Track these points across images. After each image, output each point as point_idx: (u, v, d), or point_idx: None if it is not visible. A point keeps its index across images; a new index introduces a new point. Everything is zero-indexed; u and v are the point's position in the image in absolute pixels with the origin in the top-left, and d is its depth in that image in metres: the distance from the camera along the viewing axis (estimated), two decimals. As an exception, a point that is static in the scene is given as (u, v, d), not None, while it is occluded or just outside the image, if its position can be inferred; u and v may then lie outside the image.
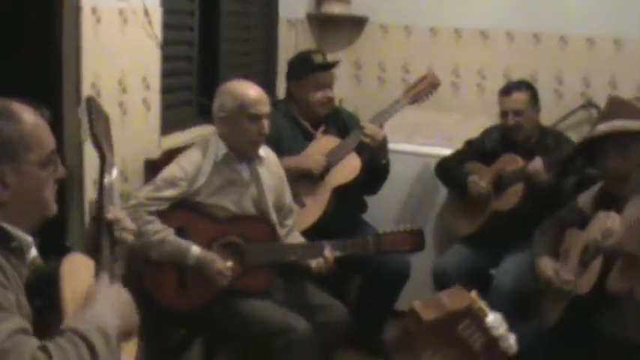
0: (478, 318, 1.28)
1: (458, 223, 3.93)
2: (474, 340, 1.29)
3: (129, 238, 1.88)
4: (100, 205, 1.90)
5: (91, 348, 1.46)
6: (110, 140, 2.06)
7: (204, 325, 2.87)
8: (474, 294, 1.32)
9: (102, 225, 1.86)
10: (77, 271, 1.69)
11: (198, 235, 2.83)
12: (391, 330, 1.21)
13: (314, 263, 2.94)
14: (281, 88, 4.21)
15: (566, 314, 2.66)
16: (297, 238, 3.14)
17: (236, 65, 3.98)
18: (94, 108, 2.08)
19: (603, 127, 2.68)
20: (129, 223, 1.92)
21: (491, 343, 1.29)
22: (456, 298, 1.30)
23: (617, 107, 2.78)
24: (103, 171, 1.97)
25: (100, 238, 1.84)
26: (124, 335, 1.64)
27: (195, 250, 2.79)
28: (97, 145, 2.02)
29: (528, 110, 3.73)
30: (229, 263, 2.81)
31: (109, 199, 1.91)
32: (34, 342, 1.44)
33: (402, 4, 4.64)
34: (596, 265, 2.54)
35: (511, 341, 1.30)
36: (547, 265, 2.84)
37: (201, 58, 3.59)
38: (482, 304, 1.29)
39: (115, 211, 1.88)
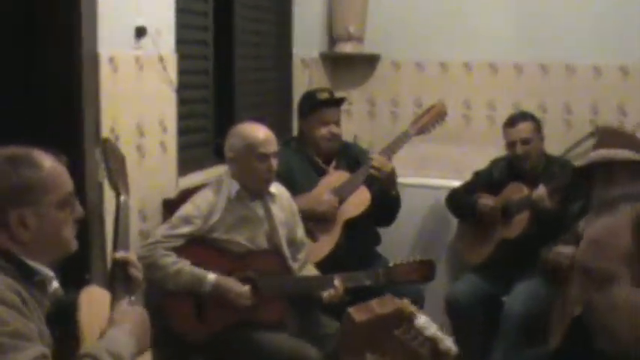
0: (410, 321, 1.40)
1: (469, 253, 4.02)
2: (418, 345, 1.40)
3: (139, 276, 2.01)
4: (114, 243, 2.04)
5: None
6: (126, 180, 2.20)
7: (221, 356, 2.97)
8: (405, 301, 1.44)
9: (113, 262, 2.00)
10: (94, 302, 1.83)
11: (213, 270, 2.96)
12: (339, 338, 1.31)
13: (325, 294, 3.05)
14: (296, 127, 4.35)
15: (568, 334, 2.75)
16: (310, 271, 3.25)
17: (251, 106, 4.14)
18: (109, 149, 2.24)
19: (592, 156, 2.79)
20: (137, 263, 2.04)
21: (434, 346, 1.40)
22: (385, 304, 1.42)
23: (608, 136, 2.88)
24: (118, 209, 2.11)
25: (112, 275, 1.97)
26: (139, 353, 1.76)
27: (212, 276, 2.91)
28: (114, 185, 2.16)
29: (535, 139, 3.83)
30: (247, 287, 2.93)
31: (123, 237, 2.05)
32: None
33: (412, 41, 4.77)
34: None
35: (449, 343, 1.41)
36: (554, 250, 2.96)
37: (217, 100, 3.74)
38: (413, 309, 1.40)
39: (124, 252, 2.01)
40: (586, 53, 4.48)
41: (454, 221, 4.23)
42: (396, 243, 4.16)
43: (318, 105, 3.68)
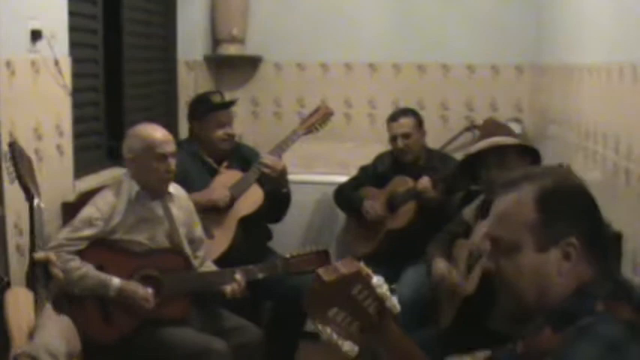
0: (366, 281, 1.54)
1: (357, 244, 4.18)
2: (368, 304, 1.55)
3: (59, 274, 2.04)
4: (31, 244, 2.07)
5: None
6: (36, 182, 2.23)
7: (130, 356, 3.00)
8: (361, 263, 1.59)
9: (33, 263, 2.03)
10: (19, 303, 1.85)
11: (117, 270, 2.99)
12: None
13: (228, 289, 3.14)
14: (182, 128, 4.41)
15: (459, 315, 2.95)
16: (210, 267, 3.33)
17: (140, 109, 4.17)
18: (17, 152, 2.25)
19: (483, 143, 3.00)
20: (57, 262, 2.08)
21: (381, 305, 1.55)
22: (348, 265, 1.57)
23: (492, 127, 3.12)
24: (32, 210, 2.13)
25: (33, 275, 2.00)
26: (69, 357, 1.81)
27: (116, 281, 2.95)
28: (25, 187, 2.18)
29: (415, 133, 4.05)
30: (150, 289, 2.98)
31: (40, 238, 2.07)
32: None
33: (293, 43, 4.92)
34: (479, 266, 2.85)
35: (394, 301, 1.56)
36: (440, 265, 3.12)
37: (107, 104, 3.75)
38: (368, 270, 1.56)
39: (44, 252, 2.05)
40: (460, 53, 4.76)
41: (341, 215, 4.40)
42: (287, 238, 4.27)
43: (212, 108, 3.77)
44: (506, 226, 1.59)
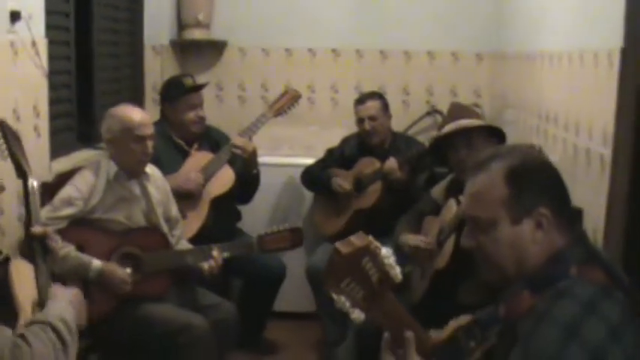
0: (375, 253, 1.66)
1: (325, 224, 4.31)
2: (372, 274, 1.67)
3: (57, 247, 2.11)
4: (28, 219, 2.13)
5: (59, 334, 1.73)
6: (27, 159, 2.28)
7: (111, 333, 3.07)
8: (371, 237, 1.71)
9: (31, 236, 2.09)
10: (22, 275, 1.93)
11: (97, 248, 3.06)
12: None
13: (205, 266, 3.23)
14: (149, 112, 4.44)
15: (430, 290, 3.08)
16: (186, 245, 3.41)
17: (109, 92, 4.20)
18: (7, 130, 2.30)
19: (452, 126, 3.13)
20: (54, 235, 2.15)
21: (384, 275, 1.67)
22: (360, 239, 1.69)
23: (458, 110, 3.25)
24: (26, 187, 2.20)
25: (31, 248, 2.07)
26: (78, 325, 1.89)
27: (97, 263, 3.01)
28: (17, 164, 2.24)
29: (381, 116, 4.18)
30: (129, 270, 3.05)
31: (36, 214, 2.14)
32: (8, 331, 1.68)
33: (258, 28, 4.98)
34: (450, 242, 2.99)
35: (397, 270, 1.69)
36: (410, 236, 3.25)
37: (79, 87, 3.79)
38: (377, 242, 1.68)
39: (39, 227, 2.11)
40: (421, 40, 4.90)
41: (308, 196, 4.52)
42: (255, 219, 4.38)
43: (185, 91, 3.85)
44: (481, 205, 1.72)
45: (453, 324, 1.86)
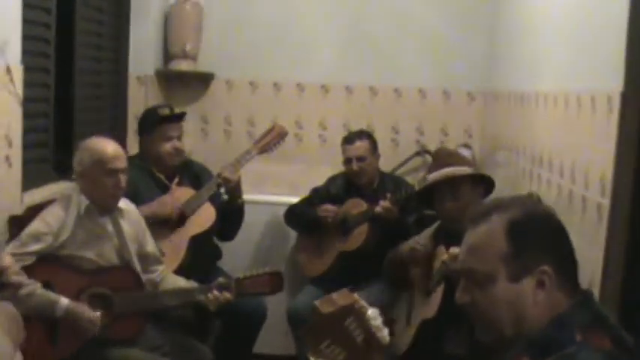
0: (360, 313, 1.53)
1: (309, 265, 4.17)
2: (356, 335, 1.54)
3: (17, 280, 1.97)
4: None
5: None
6: None
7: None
8: (356, 295, 1.58)
9: None
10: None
11: (65, 287, 2.90)
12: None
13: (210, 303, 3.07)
14: (132, 144, 4.32)
15: (417, 339, 2.94)
16: (175, 280, 3.25)
17: (89, 122, 4.06)
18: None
19: (436, 175, 3.03)
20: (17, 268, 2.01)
21: (370, 337, 1.53)
22: (344, 297, 1.56)
23: (444, 157, 3.15)
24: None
25: None
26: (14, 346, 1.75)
27: (64, 301, 2.85)
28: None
29: (369, 156, 4.06)
30: (98, 313, 2.89)
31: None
32: None
33: (246, 61, 4.87)
34: (439, 291, 2.85)
35: (385, 333, 1.55)
36: (405, 243, 3.14)
37: (57, 116, 3.65)
38: (363, 302, 1.55)
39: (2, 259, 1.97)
40: (412, 77, 4.79)
41: (292, 236, 4.37)
42: (236, 258, 4.25)
43: (160, 121, 3.72)
44: (478, 259, 1.58)
45: None
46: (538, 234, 1.57)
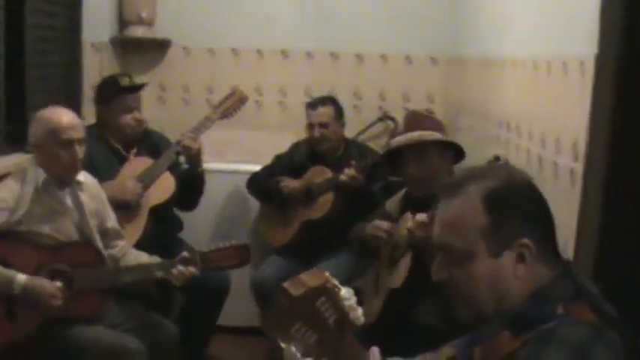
0: (333, 293, 1.46)
1: (272, 235, 4.09)
2: (328, 316, 1.47)
3: None
4: None
5: None
6: None
7: (36, 356, 2.80)
8: (327, 274, 1.51)
9: None
10: None
11: (23, 264, 2.79)
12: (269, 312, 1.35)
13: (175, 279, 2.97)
14: (87, 113, 4.18)
15: (385, 309, 2.88)
16: (137, 255, 3.16)
17: (42, 91, 3.91)
18: None
19: (402, 139, 2.95)
20: None
21: (343, 317, 1.47)
22: (314, 277, 1.48)
23: (415, 120, 3.07)
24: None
25: None
26: None
27: (21, 277, 2.74)
28: None
29: (333, 123, 3.98)
30: (58, 283, 2.78)
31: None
32: None
33: (204, 27, 4.74)
34: (406, 259, 2.80)
35: (359, 313, 1.49)
36: (372, 224, 3.05)
37: (6, 84, 3.51)
38: (335, 281, 1.48)
39: None
40: (374, 43, 4.71)
41: (254, 205, 4.29)
42: (198, 228, 4.16)
43: (120, 91, 3.59)
44: (456, 234, 1.51)
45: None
46: (517, 204, 1.51)
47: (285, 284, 1.46)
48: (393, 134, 4.53)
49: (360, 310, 1.49)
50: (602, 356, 1.36)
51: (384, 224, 3.00)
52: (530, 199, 1.53)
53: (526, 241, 1.47)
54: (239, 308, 4.14)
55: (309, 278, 1.49)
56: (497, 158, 2.53)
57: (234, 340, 4.21)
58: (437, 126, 3.01)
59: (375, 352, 1.58)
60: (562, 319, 1.41)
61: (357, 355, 1.54)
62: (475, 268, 1.49)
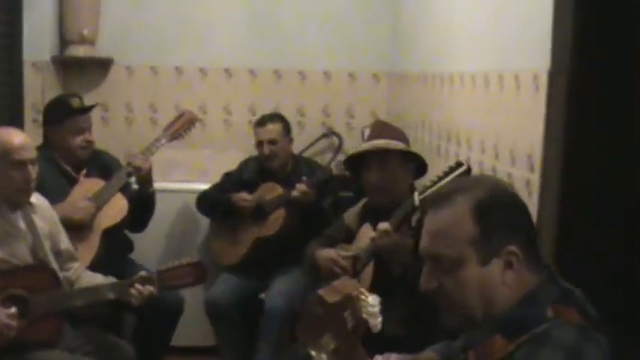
0: (361, 301, 1.48)
1: (223, 253, 4.06)
2: (348, 322, 1.49)
3: None
4: None
5: None
6: None
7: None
8: (356, 281, 1.53)
9: None
10: None
11: (-23, 290, 2.72)
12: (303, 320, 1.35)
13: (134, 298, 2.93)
14: (29, 133, 4.10)
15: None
16: (94, 277, 3.10)
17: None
18: None
19: (366, 146, 2.99)
20: None
21: (360, 324, 1.48)
22: (347, 285, 1.50)
23: (380, 129, 3.10)
24: None
25: None
26: None
27: None
28: None
29: (282, 140, 4.00)
30: (13, 309, 2.72)
31: None
32: None
33: (146, 46, 4.71)
34: (368, 270, 2.83)
35: (378, 321, 1.51)
36: (325, 252, 3.04)
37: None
38: (364, 289, 1.50)
39: None
40: (317, 60, 4.76)
41: (204, 223, 4.27)
42: (148, 249, 4.12)
43: (72, 113, 3.55)
44: (446, 243, 1.55)
45: None
46: (504, 214, 1.56)
47: (321, 292, 1.48)
48: (338, 150, 4.59)
49: (379, 319, 1.51)
50: (595, 356, 1.43)
51: (339, 257, 2.97)
52: (515, 207, 1.59)
53: (513, 248, 1.52)
54: (193, 328, 4.10)
55: (344, 285, 1.51)
56: (459, 164, 2.58)
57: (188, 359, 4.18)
58: (402, 137, 3.05)
59: None
60: (553, 322, 1.46)
61: None
62: (465, 276, 1.53)
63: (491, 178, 1.71)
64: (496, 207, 1.56)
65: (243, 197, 3.94)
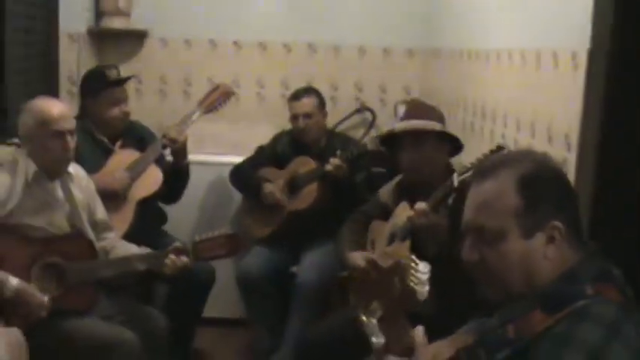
0: (408, 267, 1.50)
1: (255, 226, 4.09)
2: (395, 290, 1.51)
3: None
4: None
5: None
6: None
7: (31, 351, 2.78)
8: (407, 246, 1.55)
9: None
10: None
11: (16, 258, 2.76)
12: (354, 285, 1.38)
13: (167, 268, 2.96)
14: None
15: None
16: (126, 248, 3.14)
17: (20, 82, 3.87)
18: None
19: (402, 125, 2.97)
20: None
21: (407, 290, 1.50)
22: (398, 251, 1.53)
23: (416, 109, 3.08)
24: None
25: None
26: None
27: (14, 281, 2.68)
28: None
29: (316, 114, 4.00)
30: (46, 298, 2.75)
31: None
32: None
33: (181, 18, 4.72)
34: (404, 248, 2.83)
35: (425, 289, 1.53)
36: (358, 257, 3.04)
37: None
38: (413, 256, 1.52)
39: None
40: (352, 35, 4.74)
41: (237, 196, 4.30)
42: (181, 221, 4.16)
43: (108, 84, 3.58)
44: (488, 215, 1.57)
45: (454, 343, 1.69)
46: (549, 188, 1.57)
47: (374, 256, 1.50)
48: (371, 125, 4.59)
49: (427, 287, 1.52)
50: (633, 334, 1.43)
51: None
52: (560, 183, 1.60)
53: (557, 223, 1.53)
54: (224, 300, 4.15)
55: (396, 250, 1.54)
56: (500, 147, 2.57)
57: (218, 331, 4.23)
58: (438, 116, 3.03)
59: (419, 331, 1.61)
60: (593, 299, 1.47)
61: (404, 334, 1.58)
62: (507, 249, 1.55)
63: (537, 154, 1.71)
64: (541, 181, 1.57)
65: (273, 192, 3.94)
